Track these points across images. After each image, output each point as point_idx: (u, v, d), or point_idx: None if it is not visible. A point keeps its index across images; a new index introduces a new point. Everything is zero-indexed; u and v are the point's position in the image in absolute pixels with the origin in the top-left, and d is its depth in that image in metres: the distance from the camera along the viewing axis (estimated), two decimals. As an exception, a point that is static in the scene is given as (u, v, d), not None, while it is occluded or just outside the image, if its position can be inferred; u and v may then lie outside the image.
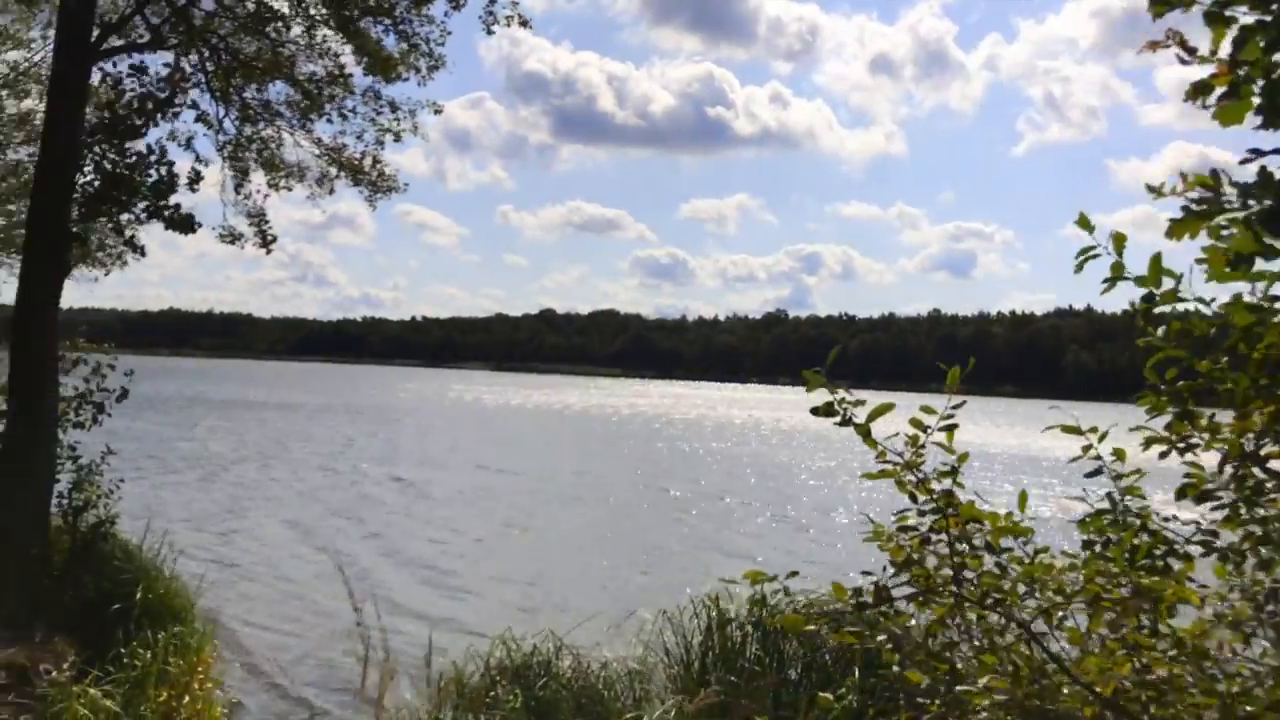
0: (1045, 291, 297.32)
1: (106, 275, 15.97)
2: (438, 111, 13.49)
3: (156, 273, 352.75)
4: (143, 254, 11.59)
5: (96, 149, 10.38)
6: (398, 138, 13.02)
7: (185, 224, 10.78)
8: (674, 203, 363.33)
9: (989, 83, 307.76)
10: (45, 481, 9.92)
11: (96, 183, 10.34)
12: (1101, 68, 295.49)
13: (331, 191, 13.40)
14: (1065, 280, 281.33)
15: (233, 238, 12.55)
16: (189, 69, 11.56)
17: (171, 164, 10.71)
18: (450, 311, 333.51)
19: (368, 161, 13.05)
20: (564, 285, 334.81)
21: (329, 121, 12.86)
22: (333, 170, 13.21)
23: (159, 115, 10.76)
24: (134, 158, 10.53)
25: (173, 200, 10.62)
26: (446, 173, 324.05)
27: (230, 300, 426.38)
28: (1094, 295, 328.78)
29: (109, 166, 10.37)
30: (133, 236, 11.17)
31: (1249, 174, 2.08)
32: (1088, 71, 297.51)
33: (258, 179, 12.92)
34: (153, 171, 10.55)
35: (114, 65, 10.82)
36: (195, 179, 11.36)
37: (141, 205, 10.57)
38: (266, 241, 12.67)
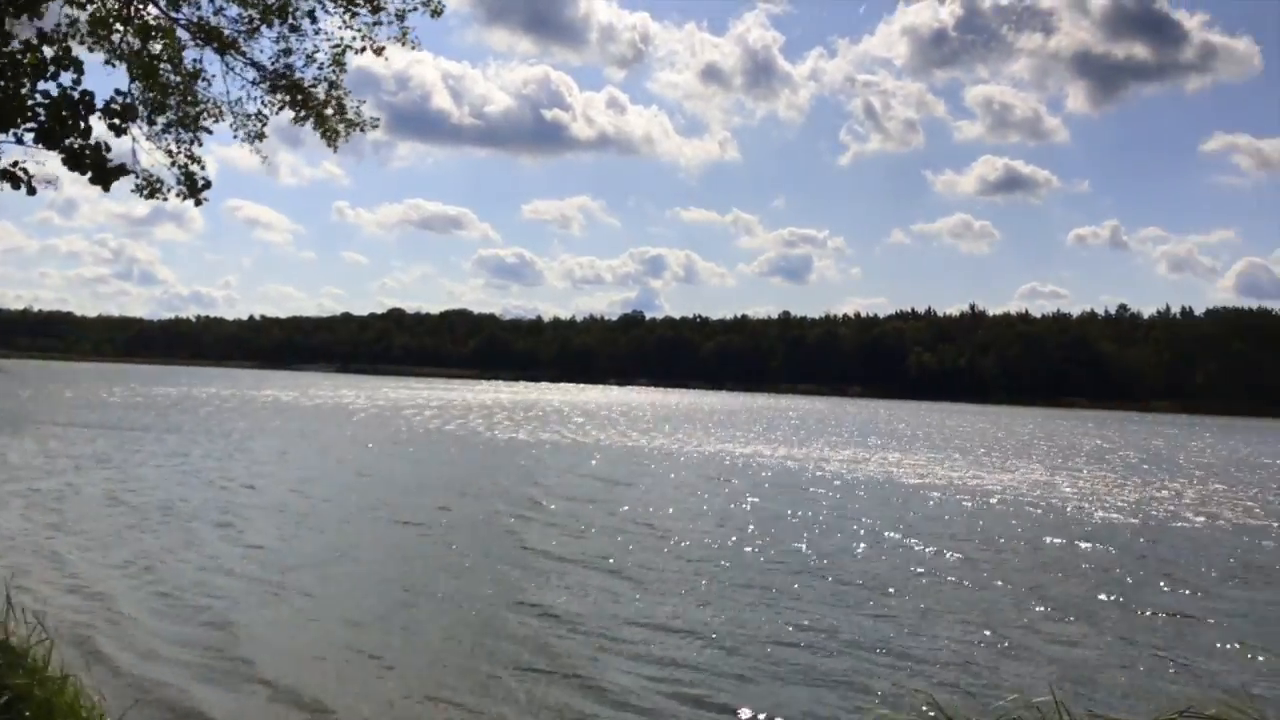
0: (878, 295, 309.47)
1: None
2: (437, 14, 10.70)
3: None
4: (31, 190, 7.51)
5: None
6: (379, 51, 10.33)
7: (105, 170, 7.41)
8: (516, 203, 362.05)
9: (814, 94, 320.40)
10: None
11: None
12: (917, 84, 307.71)
13: (261, 137, 10.63)
14: (898, 284, 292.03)
15: (151, 189, 9.72)
16: None
17: (79, 73, 7.30)
18: (288, 311, 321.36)
19: (321, 89, 10.40)
20: (407, 284, 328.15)
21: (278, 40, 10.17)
22: (275, 102, 10.54)
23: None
24: (18, 48, 7.22)
25: (90, 135, 7.27)
26: (279, 167, 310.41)
27: (48, 299, 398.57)
28: (928, 298, 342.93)
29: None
30: (16, 166, 7.36)
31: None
32: (904, 87, 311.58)
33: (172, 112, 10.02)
34: (51, 83, 7.25)
35: None
36: (123, 109, 7.85)
37: (28, 126, 7.21)
38: (196, 189, 9.78)
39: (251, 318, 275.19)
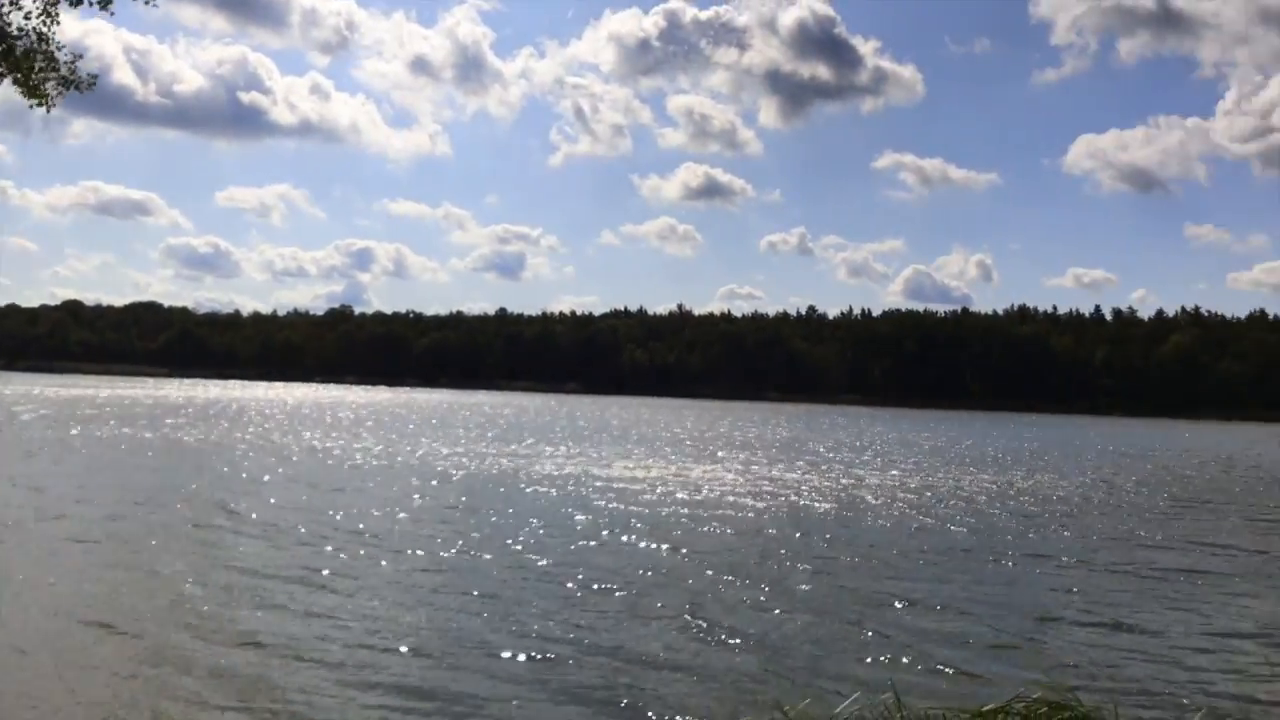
0: (591, 294, 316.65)
1: None
2: None
3: None
4: None
5: None
6: (105, 4, 8.63)
7: None
8: (210, 189, 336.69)
9: (525, 93, 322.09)
10: None
11: None
12: (624, 90, 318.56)
13: None
14: (609, 283, 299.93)
15: None
16: None
17: None
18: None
19: (27, 41, 8.59)
20: (84, 274, 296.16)
21: None
22: None
23: None
24: None
25: None
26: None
27: None
28: (639, 297, 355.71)
29: None
30: None
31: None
32: (612, 92, 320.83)
33: None
34: None
35: None
36: None
37: None
38: None
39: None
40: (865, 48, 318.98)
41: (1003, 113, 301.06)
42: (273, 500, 24.26)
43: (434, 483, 29.45)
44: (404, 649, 11.74)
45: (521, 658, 11.47)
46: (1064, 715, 5.24)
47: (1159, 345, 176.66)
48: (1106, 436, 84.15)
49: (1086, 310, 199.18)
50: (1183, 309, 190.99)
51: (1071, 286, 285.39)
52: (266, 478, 29.24)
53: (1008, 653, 12.16)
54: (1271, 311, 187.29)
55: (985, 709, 5.44)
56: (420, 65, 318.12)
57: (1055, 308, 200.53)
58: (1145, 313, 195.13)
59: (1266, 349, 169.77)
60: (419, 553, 17.77)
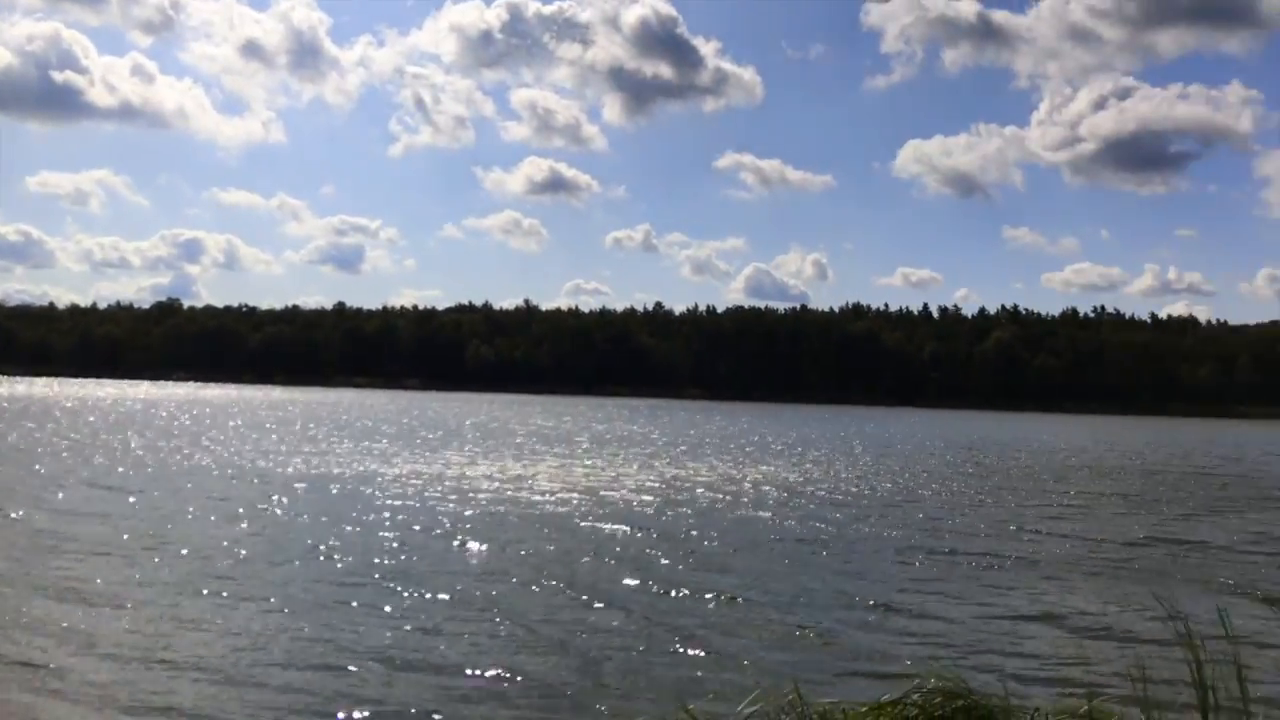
0: (433, 288, 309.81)
1: None
2: None
3: None
4: None
5: None
6: None
7: None
8: (19, 173, 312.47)
9: (364, 81, 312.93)
10: None
11: None
12: (466, 81, 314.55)
13: None
14: (453, 277, 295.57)
15: None
16: None
17: None
18: None
19: None
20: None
21: None
22: None
23: None
24: None
25: None
26: None
27: None
28: (483, 292, 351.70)
29: None
30: None
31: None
32: (454, 83, 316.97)
33: None
34: None
35: None
36: None
37: None
38: None
39: None
40: (706, 48, 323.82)
41: (837, 117, 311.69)
42: (59, 505, 22.19)
43: (235, 483, 27.71)
44: (174, 667, 10.60)
45: (324, 674, 10.53)
46: (958, 703, 5.26)
47: (981, 341, 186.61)
48: (933, 427, 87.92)
49: (915, 308, 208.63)
50: (1002, 307, 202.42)
51: (900, 285, 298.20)
52: (59, 481, 26.85)
53: (860, 639, 12.02)
54: (1082, 310, 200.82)
55: (884, 701, 5.39)
56: (252, 50, 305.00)
57: (887, 305, 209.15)
58: (969, 310, 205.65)
59: (1077, 344, 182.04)
60: (212, 560, 16.40)
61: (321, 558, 16.96)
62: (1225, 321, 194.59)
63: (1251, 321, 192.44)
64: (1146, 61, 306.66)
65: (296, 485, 27.73)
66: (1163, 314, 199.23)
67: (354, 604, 13.64)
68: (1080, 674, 10.87)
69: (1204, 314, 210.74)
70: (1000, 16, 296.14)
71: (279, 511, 22.56)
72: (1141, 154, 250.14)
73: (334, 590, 14.48)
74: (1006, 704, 5.46)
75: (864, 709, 5.51)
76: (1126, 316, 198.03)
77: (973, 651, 11.97)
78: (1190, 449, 63.82)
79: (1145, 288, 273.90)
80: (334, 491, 26.56)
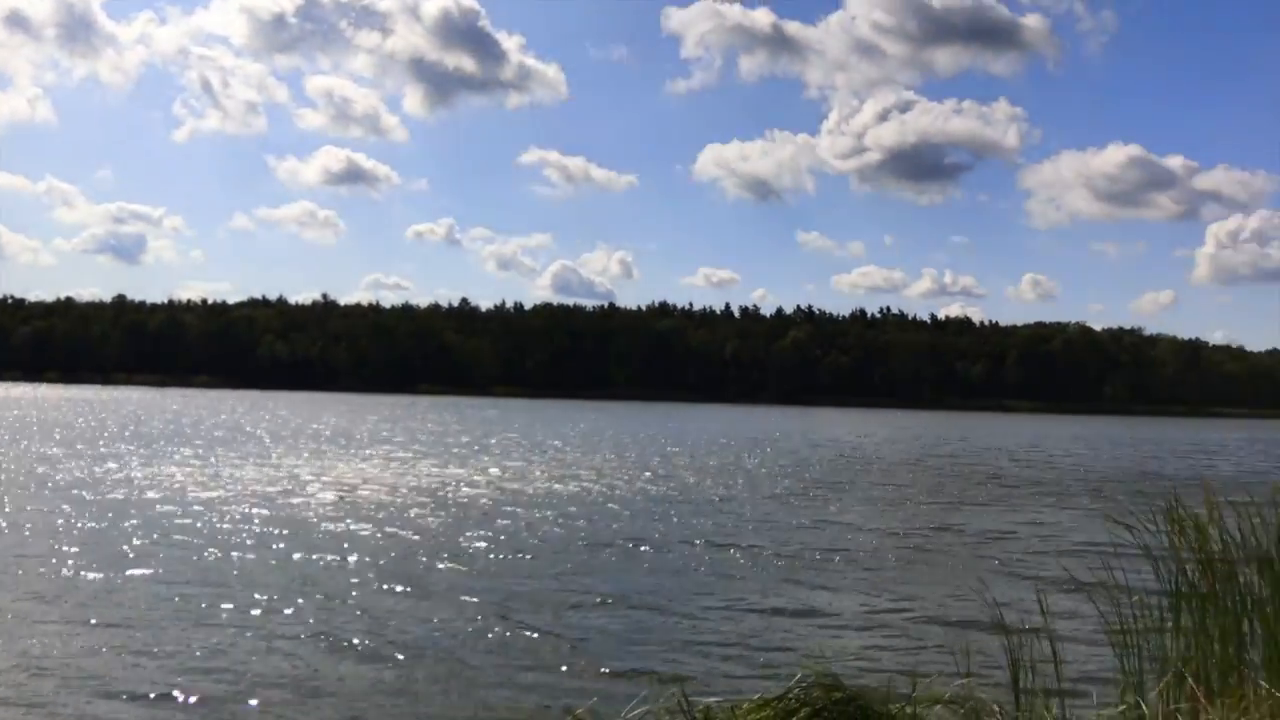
0: (223, 280, 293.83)
1: None
2: None
3: None
4: None
5: None
6: None
7: None
8: None
9: (145, 60, 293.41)
10: None
11: None
12: (258, 66, 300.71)
13: None
14: (244, 270, 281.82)
15: None
16: None
17: None
18: None
19: None
20: None
21: None
22: None
23: None
24: None
25: None
26: None
27: None
28: (277, 285, 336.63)
29: None
30: None
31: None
32: (244, 67, 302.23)
33: None
34: None
35: None
36: None
37: None
38: None
39: None
40: (510, 43, 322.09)
41: (640, 118, 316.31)
42: None
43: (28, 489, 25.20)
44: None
45: (134, 695, 9.57)
46: (837, 695, 5.41)
47: (779, 340, 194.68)
48: (736, 423, 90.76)
49: (718, 307, 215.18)
50: (798, 307, 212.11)
51: (702, 285, 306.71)
52: None
53: (712, 639, 12.02)
54: (869, 310, 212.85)
55: (768, 698, 5.47)
56: (16, 21, 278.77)
57: (691, 304, 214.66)
58: (766, 310, 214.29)
59: (865, 343, 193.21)
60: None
61: (128, 565, 15.57)
62: (996, 322, 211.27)
63: (1019, 322, 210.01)
64: (926, 77, 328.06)
65: (121, 494, 25.45)
66: (941, 315, 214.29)
67: (172, 615, 12.56)
68: (914, 662, 11.32)
69: (977, 315, 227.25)
70: (793, 27, 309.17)
71: (95, 526, 20.62)
72: (920, 165, 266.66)
73: (145, 601, 13.29)
74: (884, 694, 5.68)
75: (746, 706, 5.57)
76: (909, 317, 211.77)
77: (813, 649, 12.28)
78: (975, 442, 68.69)
79: (924, 290, 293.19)
80: (142, 499, 24.54)
